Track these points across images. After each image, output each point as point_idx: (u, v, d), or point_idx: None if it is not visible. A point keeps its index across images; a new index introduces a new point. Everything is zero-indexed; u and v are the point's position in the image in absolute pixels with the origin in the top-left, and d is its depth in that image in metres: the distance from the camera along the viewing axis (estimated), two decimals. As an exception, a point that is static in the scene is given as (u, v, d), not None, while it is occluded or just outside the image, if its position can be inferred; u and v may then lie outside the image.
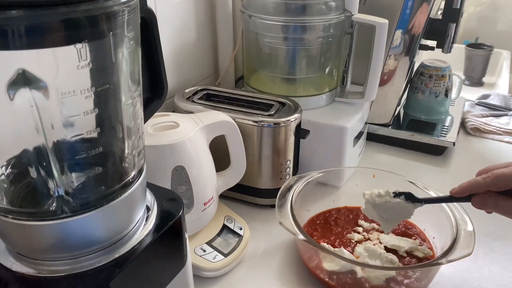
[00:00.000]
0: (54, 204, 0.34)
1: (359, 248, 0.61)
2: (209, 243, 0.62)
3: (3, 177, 0.36)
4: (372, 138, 0.95)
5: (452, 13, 0.86)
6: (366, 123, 0.88)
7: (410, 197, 0.57)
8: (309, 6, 0.74)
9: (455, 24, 0.87)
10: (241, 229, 0.65)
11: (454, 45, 0.91)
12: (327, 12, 0.75)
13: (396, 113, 0.96)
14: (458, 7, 0.85)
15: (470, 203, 0.51)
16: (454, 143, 0.90)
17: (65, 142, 0.33)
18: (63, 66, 0.30)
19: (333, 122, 0.76)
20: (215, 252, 0.60)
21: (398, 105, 0.94)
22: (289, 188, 0.65)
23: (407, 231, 0.66)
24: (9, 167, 0.36)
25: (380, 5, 0.83)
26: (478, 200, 0.49)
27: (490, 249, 0.66)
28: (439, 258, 0.53)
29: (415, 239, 0.63)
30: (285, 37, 0.78)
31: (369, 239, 0.65)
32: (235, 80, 0.99)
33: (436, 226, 0.63)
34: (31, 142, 0.32)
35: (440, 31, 0.89)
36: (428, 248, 0.62)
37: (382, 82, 0.88)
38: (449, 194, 0.53)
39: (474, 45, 1.50)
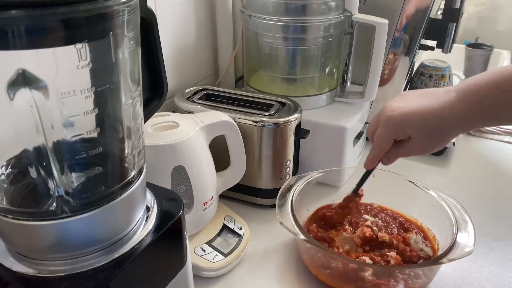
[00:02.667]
0: (54, 204, 0.34)
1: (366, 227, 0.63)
2: (209, 243, 0.62)
3: (3, 177, 0.36)
4: (372, 138, 0.95)
5: (452, 13, 0.86)
6: (366, 123, 0.88)
7: (354, 191, 0.66)
8: (309, 6, 0.74)
9: (455, 24, 0.87)
10: (241, 229, 0.65)
11: (454, 45, 0.91)
12: (327, 12, 0.75)
13: (396, 113, 0.95)
14: (458, 7, 0.86)
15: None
16: (454, 143, 0.90)
17: (65, 142, 0.33)
18: (63, 66, 0.30)
19: (333, 122, 0.76)
20: (215, 252, 0.60)
21: (398, 105, 0.94)
22: (289, 188, 0.64)
23: (409, 227, 0.66)
24: (9, 167, 0.36)
25: (380, 5, 0.83)
26: (385, 161, 0.58)
27: (490, 249, 0.66)
28: (440, 257, 0.53)
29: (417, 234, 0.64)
30: (285, 37, 0.78)
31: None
32: (235, 80, 0.99)
33: (436, 225, 0.63)
34: (31, 142, 0.32)
35: (440, 31, 0.89)
36: (430, 246, 0.62)
37: (382, 82, 0.88)
38: (365, 170, 0.62)
39: (474, 45, 1.50)
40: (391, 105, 0.54)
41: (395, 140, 0.55)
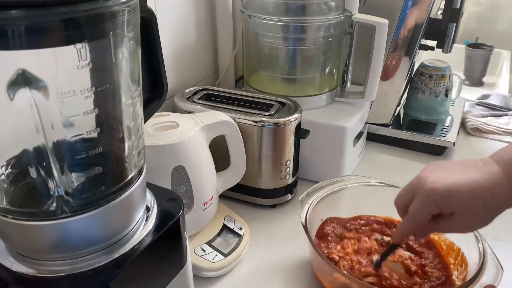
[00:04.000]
0: (54, 204, 0.34)
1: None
2: (209, 243, 0.62)
3: (3, 177, 0.36)
4: (372, 138, 0.95)
5: (452, 13, 0.86)
6: (366, 123, 0.88)
7: (377, 265, 0.57)
8: (309, 6, 0.74)
9: (455, 24, 0.87)
10: (241, 229, 0.65)
11: (454, 45, 0.91)
12: (327, 12, 0.75)
13: (396, 113, 0.96)
14: (458, 7, 0.85)
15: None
16: (454, 143, 0.90)
17: (65, 142, 0.33)
18: (63, 66, 0.30)
19: (333, 122, 0.76)
20: (215, 252, 0.60)
21: (398, 105, 0.94)
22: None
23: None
24: (9, 167, 0.36)
25: (380, 5, 0.83)
26: (418, 235, 0.52)
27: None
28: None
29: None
30: (285, 37, 0.78)
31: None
32: (235, 80, 0.99)
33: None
34: (31, 142, 0.32)
35: (440, 31, 0.89)
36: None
37: (382, 82, 0.88)
38: (391, 243, 0.55)
39: (474, 45, 1.50)
40: (428, 176, 0.47)
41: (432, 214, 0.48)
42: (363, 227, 0.65)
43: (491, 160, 0.46)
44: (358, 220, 0.66)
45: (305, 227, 0.57)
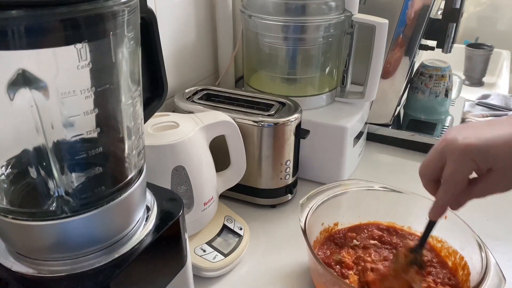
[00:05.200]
0: (54, 204, 0.34)
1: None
2: (209, 243, 0.62)
3: (3, 177, 0.36)
4: (372, 138, 0.95)
5: (452, 13, 0.86)
6: (366, 123, 0.88)
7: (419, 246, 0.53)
8: (309, 6, 0.74)
9: (455, 24, 0.87)
10: (241, 229, 0.65)
11: (454, 45, 0.91)
12: (327, 12, 0.75)
13: (396, 113, 0.96)
14: (458, 7, 0.85)
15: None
16: (454, 143, 0.90)
17: (65, 142, 0.33)
18: (63, 66, 0.30)
19: (333, 122, 0.76)
20: (215, 252, 0.60)
21: (398, 105, 0.94)
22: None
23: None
24: (9, 167, 0.36)
25: (380, 5, 0.83)
26: (454, 206, 0.48)
27: (490, 249, 0.66)
28: None
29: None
30: (285, 37, 0.78)
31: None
32: (235, 80, 0.99)
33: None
34: (31, 142, 0.32)
35: (440, 31, 0.89)
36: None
37: (382, 82, 0.88)
38: (428, 220, 0.51)
39: (474, 45, 1.50)
40: (456, 135, 0.43)
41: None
42: (359, 245, 0.62)
43: None
44: (356, 232, 0.64)
45: (304, 231, 0.56)
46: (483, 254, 0.53)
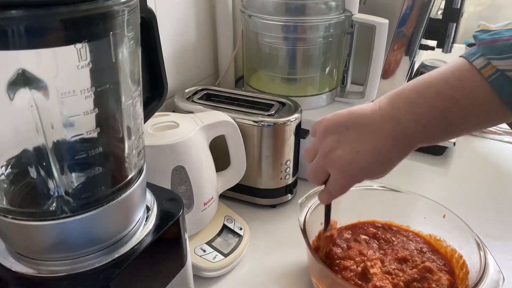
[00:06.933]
0: (54, 204, 0.34)
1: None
2: (209, 243, 0.62)
3: (3, 177, 0.36)
4: (372, 138, 0.95)
5: (452, 13, 0.86)
6: (366, 123, 0.88)
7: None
8: (309, 6, 0.74)
9: (455, 24, 0.87)
10: (241, 229, 0.65)
11: (454, 45, 0.91)
12: (327, 12, 0.75)
13: (396, 113, 0.95)
14: (458, 7, 0.85)
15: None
16: (454, 143, 0.90)
17: (65, 142, 0.33)
18: (63, 66, 0.30)
19: (333, 122, 0.75)
20: (215, 252, 0.60)
21: (398, 105, 0.94)
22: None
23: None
24: (9, 167, 0.36)
25: (380, 5, 0.83)
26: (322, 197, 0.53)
27: (490, 249, 0.66)
28: None
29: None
30: (285, 37, 0.78)
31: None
32: (235, 80, 0.99)
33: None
34: (31, 142, 0.32)
35: (440, 31, 0.89)
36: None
37: (382, 82, 0.88)
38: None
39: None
40: (331, 120, 0.51)
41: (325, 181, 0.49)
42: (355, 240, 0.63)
43: (386, 105, 0.45)
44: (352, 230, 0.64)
45: (303, 230, 0.56)
46: (482, 253, 0.53)
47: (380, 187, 0.65)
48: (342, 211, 0.64)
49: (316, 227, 0.62)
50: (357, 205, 0.65)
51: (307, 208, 0.60)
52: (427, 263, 0.56)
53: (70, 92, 0.31)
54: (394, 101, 0.44)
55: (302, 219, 0.58)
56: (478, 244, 0.55)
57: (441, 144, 0.91)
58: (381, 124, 0.44)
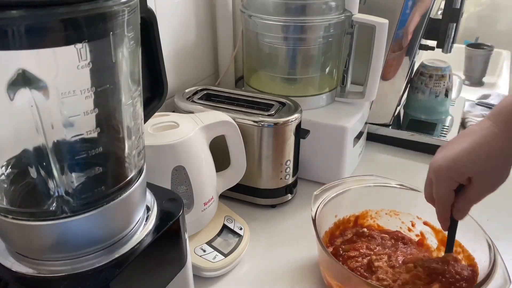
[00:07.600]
0: (54, 204, 0.34)
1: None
2: (209, 243, 0.62)
3: (3, 177, 0.36)
4: (372, 138, 0.95)
5: (452, 13, 0.86)
6: (366, 123, 0.88)
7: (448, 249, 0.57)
8: (309, 6, 0.74)
9: (455, 24, 0.87)
10: (241, 229, 0.65)
11: (454, 45, 0.91)
12: (327, 12, 0.75)
13: (396, 113, 0.96)
14: (458, 7, 0.85)
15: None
16: (454, 143, 0.90)
17: (65, 142, 0.33)
18: (63, 66, 0.30)
19: (333, 122, 0.76)
20: (215, 252, 0.60)
21: (398, 105, 0.94)
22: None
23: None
24: (9, 167, 0.36)
25: (380, 5, 0.83)
26: (458, 215, 0.53)
27: (490, 249, 0.66)
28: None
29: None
30: (285, 37, 0.78)
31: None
32: (235, 80, 0.99)
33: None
34: (31, 142, 0.32)
35: (440, 31, 0.89)
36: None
37: (382, 82, 0.88)
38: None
39: (474, 45, 1.50)
40: (433, 161, 0.52)
41: (456, 191, 0.51)
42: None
43: (484, 118, 0.49)
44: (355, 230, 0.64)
45: (314, 221, 0.56)
46: (492, 255, 0.54)
47: (398, 185, 0.66)
48: (356, 207, 0.65)
49: (329, 219, 0.63)
50: (373, 201, 0.66)
51: (321, 199, 0.60)
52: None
53: (70, 92, 0.31)
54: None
55: (314, 210, 0.58)
56: (489, 246, 0.55)
57: (441, 144, 0.90)
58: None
